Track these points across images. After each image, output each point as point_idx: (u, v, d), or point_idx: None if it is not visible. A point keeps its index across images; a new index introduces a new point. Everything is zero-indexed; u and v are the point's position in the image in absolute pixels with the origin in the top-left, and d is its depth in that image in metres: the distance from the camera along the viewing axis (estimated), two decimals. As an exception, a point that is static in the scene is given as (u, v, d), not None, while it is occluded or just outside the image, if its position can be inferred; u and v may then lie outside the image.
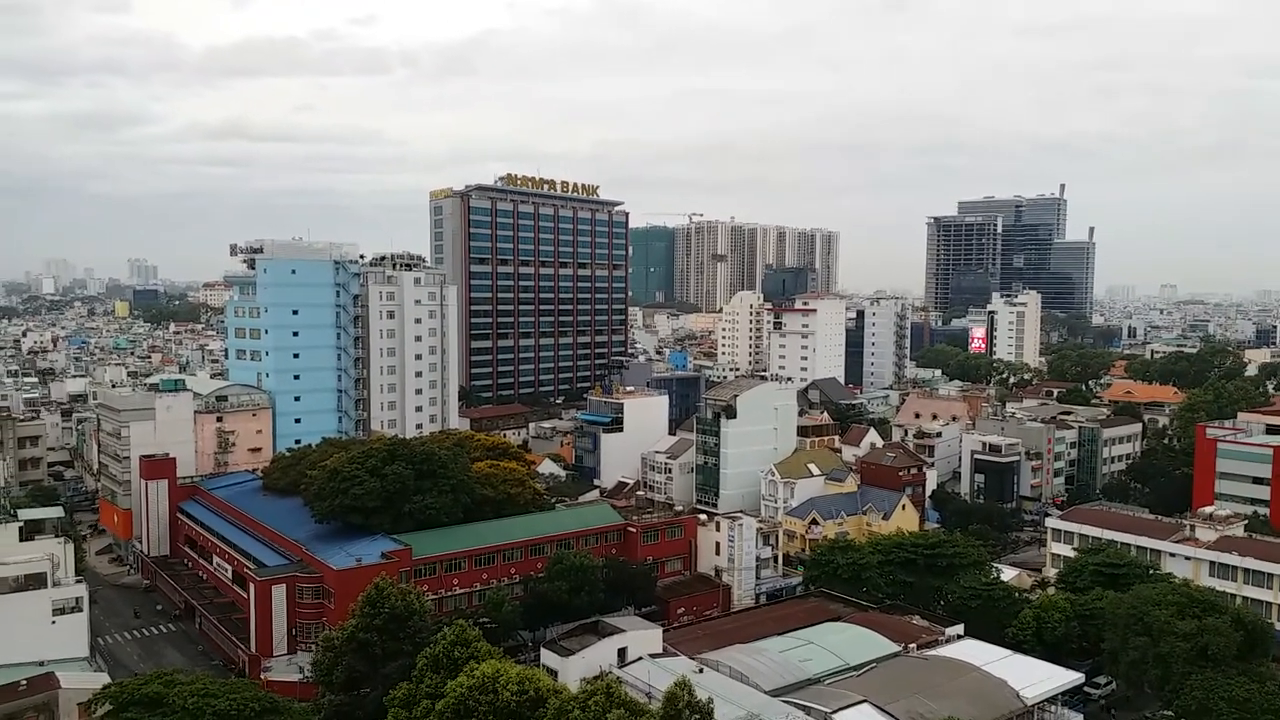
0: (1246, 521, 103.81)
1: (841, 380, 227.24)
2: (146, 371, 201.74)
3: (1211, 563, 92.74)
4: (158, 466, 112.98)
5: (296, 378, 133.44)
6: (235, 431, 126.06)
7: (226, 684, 59.21)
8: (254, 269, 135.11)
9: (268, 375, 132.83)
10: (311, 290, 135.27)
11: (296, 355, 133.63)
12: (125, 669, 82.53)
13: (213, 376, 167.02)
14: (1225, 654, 67.01)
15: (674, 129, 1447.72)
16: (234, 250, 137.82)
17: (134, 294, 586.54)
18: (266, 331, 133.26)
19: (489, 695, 49.57)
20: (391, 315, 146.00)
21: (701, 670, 62.12)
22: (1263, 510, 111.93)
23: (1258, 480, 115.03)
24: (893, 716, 58.54)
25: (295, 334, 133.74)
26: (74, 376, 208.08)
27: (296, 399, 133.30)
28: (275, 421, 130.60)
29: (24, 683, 63.29)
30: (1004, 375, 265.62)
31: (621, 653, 65.12)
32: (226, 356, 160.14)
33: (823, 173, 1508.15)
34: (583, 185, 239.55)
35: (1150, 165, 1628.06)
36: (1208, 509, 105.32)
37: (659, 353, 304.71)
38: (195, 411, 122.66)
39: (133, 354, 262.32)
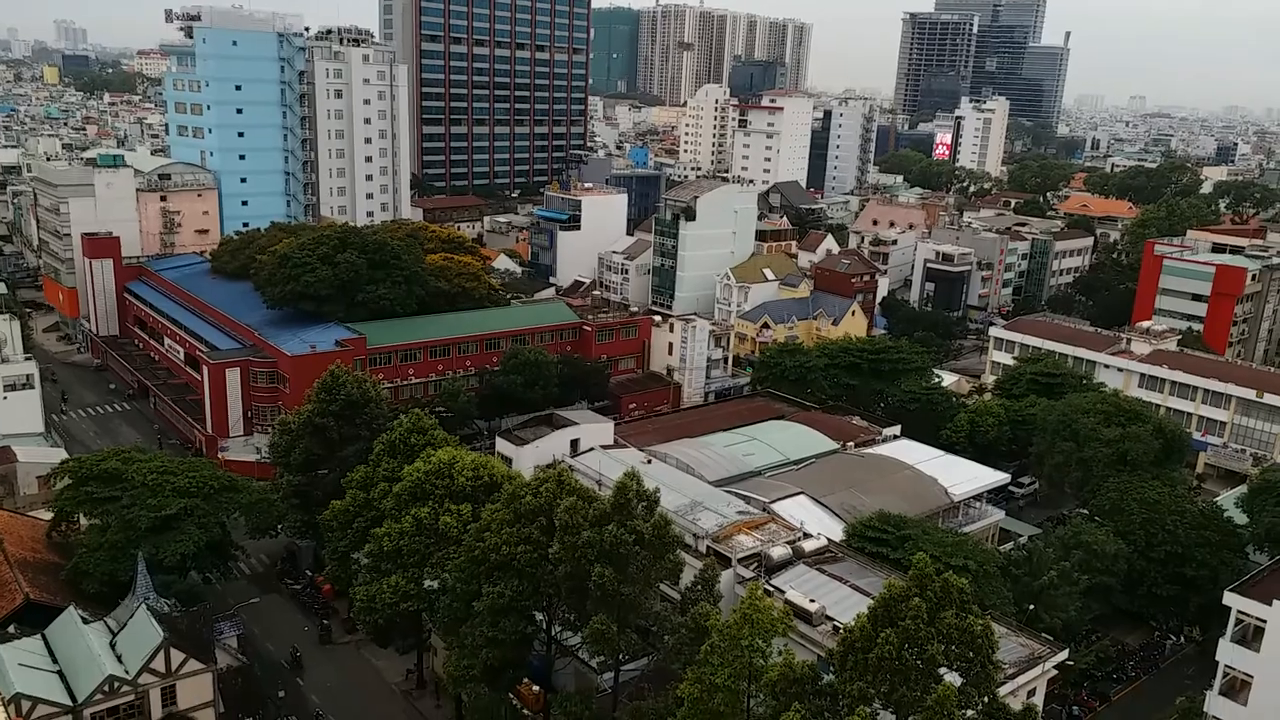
0: (1180, 337, 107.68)
1: (804, 184, 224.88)
2: (82, 145, 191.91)
3: (1142, 375, 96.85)
4: (101, 245, 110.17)
5: (242, 158, 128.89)
6: (180, 212, 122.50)
7: (185, 462, 60.31)
8: (192, 38, 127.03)
9: (212, 154, 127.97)
10: (254, 64, 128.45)
11: (241, 134, 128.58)
12: (82, 445, 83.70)
13: (154, 153, 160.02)
14: (1143, 460, 71.14)
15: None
16: (169, 16, 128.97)
17: (63, 59, 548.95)
18: (209, 107, 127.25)
19: (445, 480, 51.23)
20: (339, 94, 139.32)
21: (650, 461, 64.52)
22: (1198, 326, 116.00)
23: (1197, 297, 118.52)
24: (827, 508, 61.87)
25: (239, 111, 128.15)
26: (4, 146, 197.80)
27: (243, 180, 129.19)
28: (221, 203, 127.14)
29: (-20, 456, 64.04)
30: (965, 184, 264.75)
31: (574, 444, 67.21)
32: (167, 132, 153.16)
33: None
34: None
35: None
36: (1145, 323, 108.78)
37: (619, 148, 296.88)
38: (137, 190, 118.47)
39: (66, 125, 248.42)
